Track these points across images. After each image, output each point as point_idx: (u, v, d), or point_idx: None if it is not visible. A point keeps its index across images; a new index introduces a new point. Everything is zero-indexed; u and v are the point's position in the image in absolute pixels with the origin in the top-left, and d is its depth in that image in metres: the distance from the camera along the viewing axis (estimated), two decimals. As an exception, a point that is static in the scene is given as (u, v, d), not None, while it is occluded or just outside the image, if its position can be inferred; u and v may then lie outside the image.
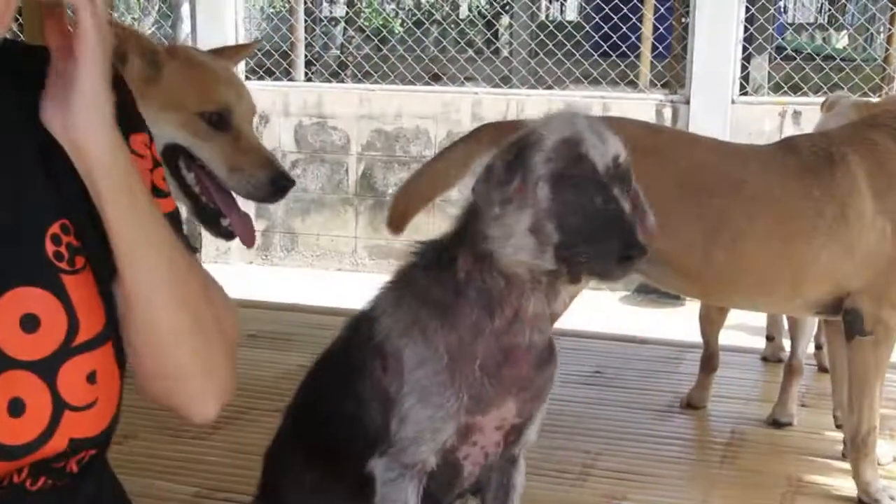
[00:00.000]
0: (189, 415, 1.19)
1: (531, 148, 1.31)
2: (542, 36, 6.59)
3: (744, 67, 6.00)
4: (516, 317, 1.35)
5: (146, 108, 1.32)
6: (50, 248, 1.11)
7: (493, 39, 9.42)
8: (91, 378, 1.15)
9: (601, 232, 1.25)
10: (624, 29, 6.24)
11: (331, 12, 10.69)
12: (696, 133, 4.12)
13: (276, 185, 2.08)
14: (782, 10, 10.42)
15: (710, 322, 2.96)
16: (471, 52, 7.48)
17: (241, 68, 5.55)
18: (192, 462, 2.48)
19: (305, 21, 6.70)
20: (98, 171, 1.05)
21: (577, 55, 6.31)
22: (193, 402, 1.20)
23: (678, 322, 4.39)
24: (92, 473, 1.19)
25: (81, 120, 1.02)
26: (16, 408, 1.10)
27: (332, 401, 1.49)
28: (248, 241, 2.19)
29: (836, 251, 2.26)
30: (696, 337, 3.05)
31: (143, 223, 1.09)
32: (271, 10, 7.29)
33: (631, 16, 6.29)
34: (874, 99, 4.13)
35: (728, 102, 5.57)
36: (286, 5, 7.08)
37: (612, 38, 6.22)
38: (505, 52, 8.39)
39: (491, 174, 1.30)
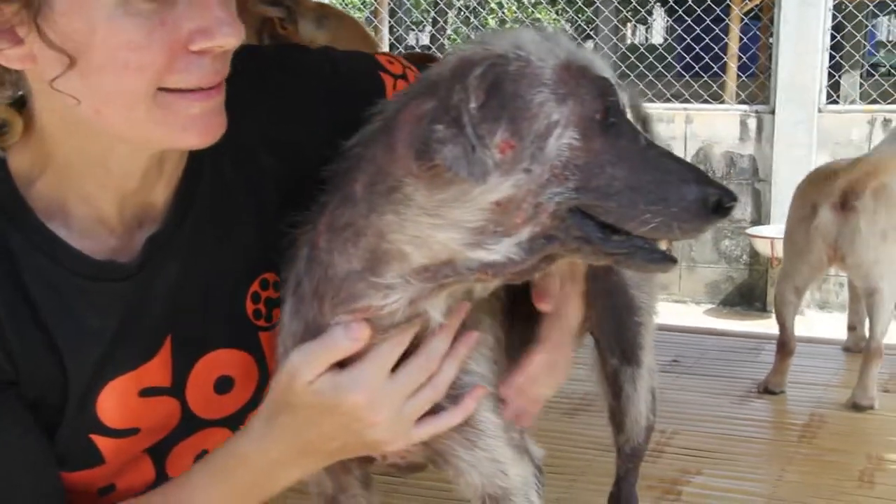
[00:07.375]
0: None
1: (517, 80, 0.90)
2: (621, 65, 6.67)
3: (832, 78, 5.94)
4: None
5: None
6: (250, 307, 1.11)
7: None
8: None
9: (662, 184, 0.91)
10: (699, 47, 6.24)
11: (417, 40, 10.91)
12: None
13: None
14: (874, 27, 10.27)
15: (786, 304, 2.94)
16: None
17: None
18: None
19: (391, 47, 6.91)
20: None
21: (650, 76, 6.33)
22: None
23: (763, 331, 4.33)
24: None
25: None
26: (202, 455, 1.13)
27: None
28: None
29: None
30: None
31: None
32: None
33: (708, 32, 6.29)
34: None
35: (815, 111, 5.52)
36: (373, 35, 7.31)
37: (696, 54, 6.24)
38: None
39: (460, 123, 0.87)
